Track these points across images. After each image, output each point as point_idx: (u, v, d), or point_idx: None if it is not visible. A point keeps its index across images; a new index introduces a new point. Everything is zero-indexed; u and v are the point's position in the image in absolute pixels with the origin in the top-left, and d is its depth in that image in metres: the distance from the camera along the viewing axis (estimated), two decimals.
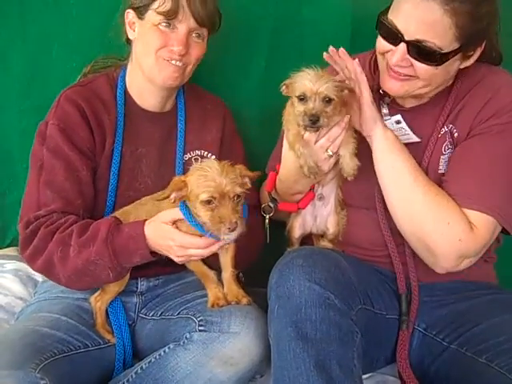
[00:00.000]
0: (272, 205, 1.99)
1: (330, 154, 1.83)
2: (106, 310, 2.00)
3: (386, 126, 1.88)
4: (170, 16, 1.94)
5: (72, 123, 1.98)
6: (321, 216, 2.01)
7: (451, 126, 1.91)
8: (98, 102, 2.05)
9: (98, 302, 1.98)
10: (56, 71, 2.46)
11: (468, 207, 1.81)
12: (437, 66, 1.77)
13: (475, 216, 1.81)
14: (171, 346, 1.85)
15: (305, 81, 1.76)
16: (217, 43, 2.42)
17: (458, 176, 1.85)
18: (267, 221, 2.01)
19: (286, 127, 1.90)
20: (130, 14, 2.03)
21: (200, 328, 1.81)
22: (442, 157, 1.92)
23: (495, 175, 1.83)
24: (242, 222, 1.74)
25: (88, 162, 1.99)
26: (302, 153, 1.81)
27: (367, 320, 1.77)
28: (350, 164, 1.84)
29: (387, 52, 1.83)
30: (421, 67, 1.78)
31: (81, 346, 1.88)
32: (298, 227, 2.03)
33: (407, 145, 1.91)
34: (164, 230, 1.82)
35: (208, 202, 1.70)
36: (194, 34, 2.00)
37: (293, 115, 1.83)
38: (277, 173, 1.99)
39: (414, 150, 1.92)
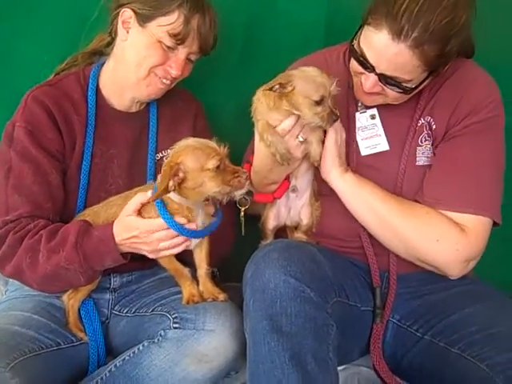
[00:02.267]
0: (247, 197, 1.98)
1: (301, 139, 1.84)
2: (79, 308, 1.96)
3: (342, 169, 1.89)
4: (179, 40, 1.91)
5: (39, 125, 1.93)
6: (295, 208, 2.01)
7: (429, 117, 1.92)
8: (67, 101, 1.99)
9: (71, 300, 1.95)
10: (26, 68, 2.38)
11: (459, 211, 1.82)
12: (408, 93, 1.81)
13: (468, 219, 1.82)
14: (145, 343, 1.83)
15: (320, 84, 1.77)
16: None
17: (445, 179, 1.86)
18: (242, 213, 2.00)
19: (255, 118, 1.89)
20: (127, 13, 1.94)
21: (175, 325, 1.79)
22: (418, 148, 1.92)
23: (482, 175, 1.84)
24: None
25: (57, 164, 1.95)
26: (272, 141, 1.82)
27: (342, 312, 1.78)
28: (316, 150, 1.87)
29: (361, 74, 1.84)
30: (392, 93, 1.81)
31: (52, 344, 1.85)
32: (272, 218, 2.02)
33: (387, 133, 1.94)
34: (127, 222, 1.80)
35: (218, 166, 1.72)
36: (191, 57, 1.99)
37: (264, 108, 1.83)
38: (251, 164, 1.98)
39: (393, 143, 1.93)
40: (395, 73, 1.74)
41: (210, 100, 2.37)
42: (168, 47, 1.92)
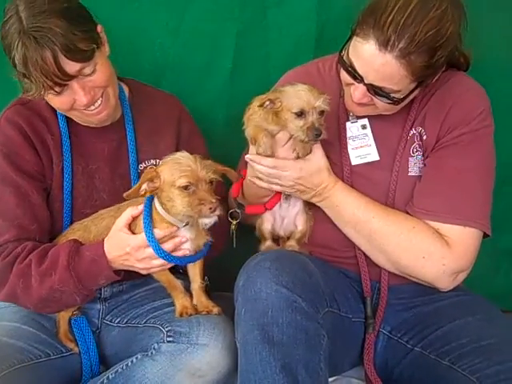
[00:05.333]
0: (239, 210, 1.99)
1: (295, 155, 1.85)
2: (70, 318, 1.95)
3: (318, 197, 1.91)
4: (42, 94, 1.78)
5: (15, 147, 1.91)
6: (289, 217, 2.01)
7: (420, 128, 1.93)
8: (40, 121, 1.96)
9: (62, 311, 1.93)
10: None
11: (447, 222, 1.83)
12: (397, 104, 1.82)
13: (456, 230, 1.83)
14: (139, 356, 1.81)
15: (302, 97, 1.79)
16: (183, 45, 2.44)
17: (434, 190, 1.86)
18: (233, 226, 2.00)
19: (247, 125, 1.90)
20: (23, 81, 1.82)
21: (168, 339, 1.77)
22: (410, 159, 1.93)
23: (471, 186, 1.85)
24: (220, 204, 1.74)
25: (38, 184, 1.93)
26: (265, 142, 1.83)
27: (333, 323, 1.78)
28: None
29: (350, 84, 1.85)
30: (381, 103, 1.82)
31: (42, 355, 1.84)
32: (267, 220, 2.02)
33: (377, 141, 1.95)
34: (118, 239, 1.78)
35: (185, 187, 1.69)
36: (84, 74, 1.79)
37: (258, 120, 1.85)
38: (243, 178, 1.99)
39: (384, 153, 1.95)
40: (383, 83, 1.75)
41: (201, 108, 2.38)
42: (54, 95, 1.80)
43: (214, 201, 1.69)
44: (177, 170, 1.71)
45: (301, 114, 1.79)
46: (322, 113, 1.82)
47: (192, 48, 2.44)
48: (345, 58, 1.82)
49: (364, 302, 1.95)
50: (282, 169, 1.85)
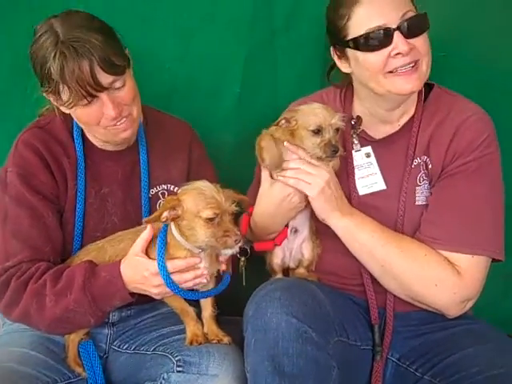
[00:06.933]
0: (247, 247, 2.00)
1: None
2: (79, 342, 1.95)
3: (340, 212, 1.89)
4: (74, 104, 1.82)
5: (32, 169, 1.94)
6: (296, 247, 2.02)
7: (425, 157, 1.93)
8: (57, 144, 1.99)
9: (72, 335, 1.93)
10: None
11: (455, 250, 1.83)
12: (427, 29, 1.83)
13: (464, 259, 1.83)
14: None
15: (318, 114, 1.83)
16: (191, 70, 2.46)
17: (441, 218, 1.87)
18: (242, 263, 2.01)
19: (259, 156, 1.92)
20: (51, 96, 1.89)
21: (178, 369, 1.77)
22: (417, 188, 1.93)
23: (480, 214, 1.85)
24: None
25: (52, 206, 1.95)
26: (271, 155, 1.86)
27: (342, 352, 1.78)
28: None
29: (386, 60, 1.82)
30: (420, 41, 1.81)
31: (49, 381, 1.83)
32: (276, 256, 2.03)
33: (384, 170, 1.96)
34: (137, 262, 1.79)
35: (211, 218, 1.70)
36: (114, 88, 1.85)
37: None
38: (250, 216, 2.00)
39: (391, 182, 1.95)
40: (404, 8, 1.79)
41: (209, 132, 2.39)
42: (85, 106, 1.83)
43: (238, 233, 1.71)
44: (202, 200, 1.71)
45: (317, 132, 1.82)
46: (337, 130, 1.85)
47: (200, 72, 2.46)
48: (363, 41, 1.81)
49: (372, 330, 1.95)
50: (314, 166, 1.85)
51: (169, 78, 2.47)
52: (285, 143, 1.87)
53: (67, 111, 1.91)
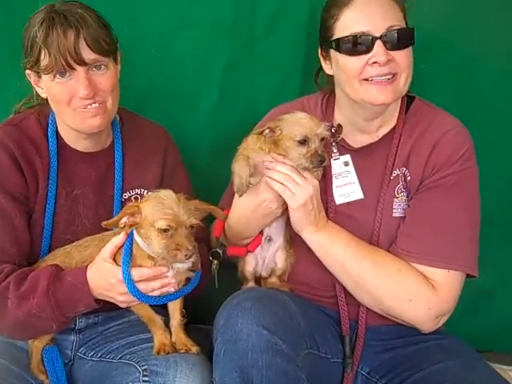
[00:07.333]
0: (220, 250, 1.97)
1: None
2: (43, 349, 1.90)
3: (315, 227, 1.88)
4: (50, 70, 1.81)
5: (3, 169, 1.89)
6: (270, 256, 2.00)
7: (404, 169, 1.92)
8: (29, 143, 1.94)
9: (36, 341, 1.89)
10: None
11: (430, 265, 1.83)
12: (411, 45, 1.85)
13: (440, 273, 1.82)
14: None
15: (304, 124, 1.81)
16: (169, 75, 2.43)
17: (417, 232, 1.86)
18: (214, 266, 1.98)
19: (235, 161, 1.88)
20: (31, 75, 1.90)
21: (144, 378, 1.73)
22: (395, 199, 1.93)
23: (458, 228, 1.85)
24: (197, 251, 1.72)
25: (21, 207, 1.90)
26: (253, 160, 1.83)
27: (313, 364, 1.76)
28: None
29: (363, 67, 1.82)
30: (401, 55, 1.82)
31: None
32: (249, 263, 2.00)
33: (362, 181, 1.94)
34: (104, 268, 1.75)
35: (165, 230, 1.67)
36: (93, 69, 1.84)
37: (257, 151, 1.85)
38: (224, 219, 1.97)
39: (368, 192, 1.94)
40: (392, 22, 1.80)
41: (186, 137, 2.36)
42: (61, 78, 1.82)
43: (190, 248, 1.67)
44: (159, 210, 1.68)
45: (303, 142, 1.80)
46: (322, 140, 1.83)
47: (178, 77, 2.43)
48: (345, 43, 1.83)
49: (343, 342, 1.93)
50: (302, 177, 1.82)
51: (146, 82, 2.44)
52: (271, 153, 1.84)
53: (44, 94, 1.89)
